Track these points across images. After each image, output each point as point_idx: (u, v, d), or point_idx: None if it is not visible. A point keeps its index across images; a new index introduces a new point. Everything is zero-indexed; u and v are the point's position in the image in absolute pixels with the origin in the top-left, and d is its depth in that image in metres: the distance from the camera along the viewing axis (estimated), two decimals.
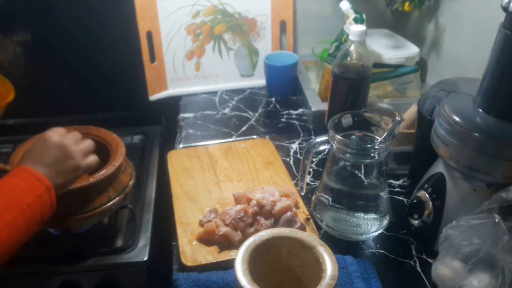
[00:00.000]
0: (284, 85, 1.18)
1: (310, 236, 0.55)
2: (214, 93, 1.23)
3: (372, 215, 0.74)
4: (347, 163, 0.70)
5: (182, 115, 1.13)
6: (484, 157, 0.60)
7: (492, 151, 0.60)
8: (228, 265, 0.69)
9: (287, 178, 0.89)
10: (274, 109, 1.15)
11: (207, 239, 0.73)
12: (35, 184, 0.65)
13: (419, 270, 0.70)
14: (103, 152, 0.86)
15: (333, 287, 0.49)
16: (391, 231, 0.77)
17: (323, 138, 0.71)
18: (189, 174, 0.89)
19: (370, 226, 0.74)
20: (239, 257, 0.52)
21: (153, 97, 1.22)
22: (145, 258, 0.83)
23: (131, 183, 0.86)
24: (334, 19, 1.24)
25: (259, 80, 1.26)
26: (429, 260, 0.71)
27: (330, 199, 0.74)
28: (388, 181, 0.88)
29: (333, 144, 0.70)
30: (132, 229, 0.88)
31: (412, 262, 0.72)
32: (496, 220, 0.56)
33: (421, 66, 1.11)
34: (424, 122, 0.76)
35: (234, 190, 0.85)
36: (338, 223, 0.74)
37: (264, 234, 0.55)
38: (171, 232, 0.78)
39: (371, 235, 0.75)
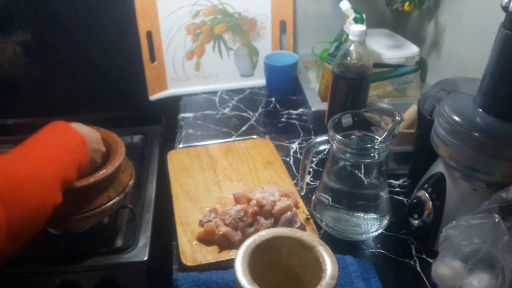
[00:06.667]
0: (284, 85, 1.18)
1: (310, 236, 0.55)
2: (214, 93, 1.23)
3: (372, 215, 0.74)
4: (347, 163, 0.70)
5: (182, 115, 1.13)
6: (484, 157, 0.60)
7: (492, 151, 0.60)
8: (228, 265, 0.69)
9: (287, 178, 0.89)
10: (274, 109, 1.15)
11: (207, 239, 0.73)
12: (75, 133, 0.72)
13: (419, 270, 0.70)
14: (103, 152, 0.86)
15: (333, 287, 0.49)
16: (391, 231, 0.77)
17: (323, 138, 0.71)
18: (189, 174, 0.89)
19: (370, 226, 0.74)
20: (239, 257, 0.52)
21: (153, 97, 1.22)
22: (145, 258, 0.83)
23: (131, 183, 0.86)
24: (334, 19, 1.24)
25: (259, 80, 1.26)
26: (429, 260, 0.71)
27: (330, 199, 0.74)
28: (388, 181, 0.88)
29: (333, 144, 0.70)
30: (132, 229, 0.88)
31: (412, 262, 0.72)
32: (496, 220, 0.56)
33: (421, 66, 1.11)
34: (424, 122, 0.76)
35: (234, 190, 0.85)
36: (338, 223, 0.74)
37: (264, 234, 0.55)
38: (171, 232, 0.78)
39: (371, 235, 0.75)
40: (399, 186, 0.88)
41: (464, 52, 0.99)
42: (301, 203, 0.82)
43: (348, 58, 0.86)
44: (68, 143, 0.70)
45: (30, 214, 0.60)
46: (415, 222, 0.73)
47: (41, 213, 0.62)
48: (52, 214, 0.67)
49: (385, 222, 0.74)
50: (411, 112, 0.86)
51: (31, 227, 0.61)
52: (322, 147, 0.73)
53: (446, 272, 0.60)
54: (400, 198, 0.85)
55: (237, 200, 0.81)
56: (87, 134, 0.76)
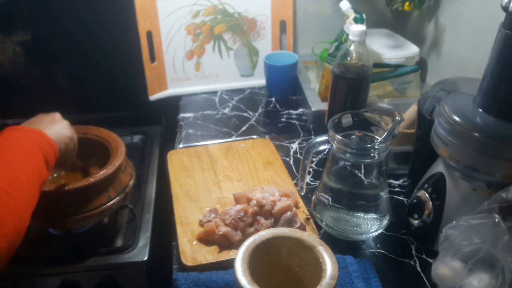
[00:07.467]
0: (284, 85, 1.18)
1: (310, 236, 0.55)
2: (214, 93, 1.23)
3: (372, 215, 0.74)
4: (347, 163, 0.70)
5: (182, 115, 1.13)
6: (484, 157, 0.60)
7: (492, 151, 0.60)
8: (228, 265, 0.69)
9: (287, 178, 0.88)
10: (274, 109, 1.15)
11: (207, 239, 0.73)
12: (28, 132, 0.68)
13: (419, 270, 0.70)
14: (103, 152, 0.86)
15: (333, 287, 0.49)
16: (391, 231, 0.77)
17: (323, 138, 0.71)
18: (189, 174, 0.89)
19: (370, 226, 0.74)
20: (239, 257, 0.52)
21: (153, 97, 1.22)
22: (145, 258, 0.83)
23: (131, 183, 0.86)
24: (334, 19, 1.24)
25: (259, 80, 1.26)
26: (429, 260, 0.71)
27: (330, 199, 0.74)
28: (388, 181, 0.88)
29: (333, 144, 0.70)
30: (132, 229, 0.88)
31: (412, 262, 0.72)
32: (496, 220, 0.56)
33: (421, 66, 1.11)
34: (424, 122, 0.76)
35: (234, 190, 0.85)
36: (338, 223, 0.74)
37: (264, 234, 0.55)
38: (171, 232, 0.78)
39: (371, 235, 0.75)
40: (399, 186, 0.88)
41: (464, 52, 0.99)
42: (301, 203, 0.82)
43: (348, 58, 0.86)
44: (27, 144, 0.67)
45: (17, 224, 0.58)
46: (415, 222, 0.73)
47: (25, 220, 0.60)
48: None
49: (385, 222, 0.74)
50: (411, 112, 0.86)
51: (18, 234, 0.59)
52: (322, 147, 0.73)
53: (446, 272, 0.60)
54: (400, 198, 0.85)
55: (237, 200, 0.81)
56: (44, 125, 0.72)
